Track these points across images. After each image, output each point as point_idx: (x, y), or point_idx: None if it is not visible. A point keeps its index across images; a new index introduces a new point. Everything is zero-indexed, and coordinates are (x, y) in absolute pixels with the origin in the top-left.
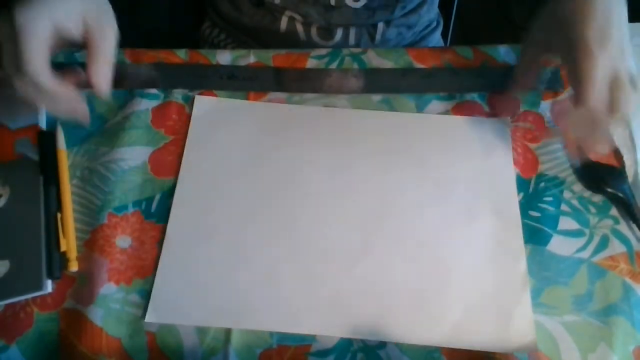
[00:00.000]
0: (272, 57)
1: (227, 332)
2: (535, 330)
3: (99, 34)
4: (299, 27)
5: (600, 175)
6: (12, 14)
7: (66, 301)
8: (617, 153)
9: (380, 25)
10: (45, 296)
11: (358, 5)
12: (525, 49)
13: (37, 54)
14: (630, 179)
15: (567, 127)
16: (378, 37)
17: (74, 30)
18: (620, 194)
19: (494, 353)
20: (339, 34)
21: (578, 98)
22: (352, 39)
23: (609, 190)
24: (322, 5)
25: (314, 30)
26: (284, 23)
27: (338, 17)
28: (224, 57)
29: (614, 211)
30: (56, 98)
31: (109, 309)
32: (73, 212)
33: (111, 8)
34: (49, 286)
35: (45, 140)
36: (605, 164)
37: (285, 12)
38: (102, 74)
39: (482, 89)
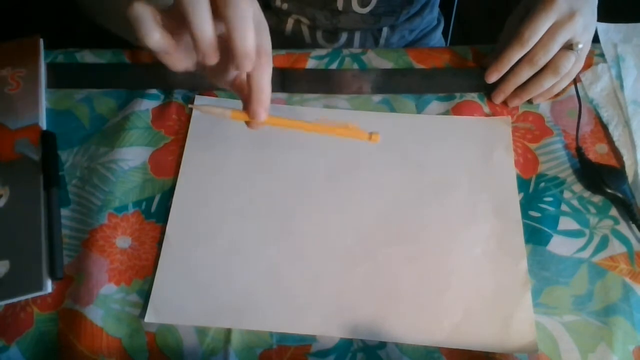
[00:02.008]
0: (272, 58)
1: (227, 332)
2: (536, 330)
3: None
4: (305, 30)
5: (600, 176)
6: None
7: (65, 301)
8: (617, 153)
9: (385, 30)
10: (45, 296)
11: (365, 11)
12: (504, 29)
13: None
14: (630, 179)
15: (504, 65)
16: (382, 41)
17: None
18: (620, 195)
19: (494, 353)
20: (343, 37)
21: (517, 33)
22: (356, 43)
23: (609, 190)
24: (329, 10)
25: (319, 34)
26: (289, 25)
27: (344, 22)
28: None
29: (614, 211)
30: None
31: (109, 309)
32: (72, 211)
33: None
34: (49, 286)
35: (47, 141)
36: (605, 164)
37: (292, 15)
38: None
39: (481, 89)
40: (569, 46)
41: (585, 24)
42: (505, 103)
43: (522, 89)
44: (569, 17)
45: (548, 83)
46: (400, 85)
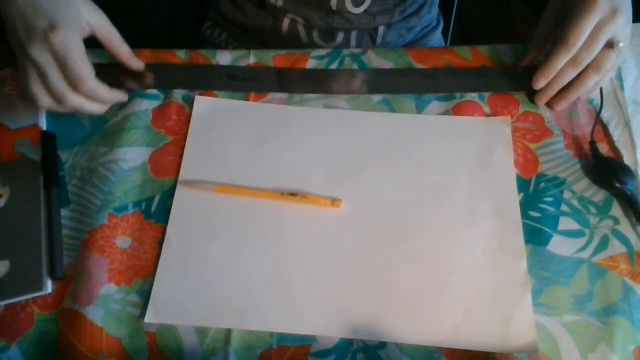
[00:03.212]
0: (272, 58)
1: (227, 333)
2: (536, 330)
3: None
4: (301, 29)
5: (611, 170)
6: (37, 40)
7: (65, 301)
8: (617, 153)
9: (381, 29)
10: (45, 296)
11: (359, 10)
12: (539, 25)
13: (89, 73)
14: None
15: (549, 69)
16: (379, 40)
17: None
18: (628, 191)
19: (494, 354)
20: (340, 36)
21: (562, 38)
22: (353, 42)
23: (617, 185)
24: (324, 10)
25: (315, 33)
26: (285, 24)
27: (339, 21)
28: (224, 57)
29: (614, 211)
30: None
31: (109, 309)
32: (72, 211)
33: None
34: (49, 286)
35: (47, 141)
36: (617, 160)
37: (287, 14)
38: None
39: (481, 89)
40: (609, 44)
41: (626, 21)
42: (549, 105)
43: (567, 90)
44: (611, 16)
45: (591, 82)
46: (400, 85)
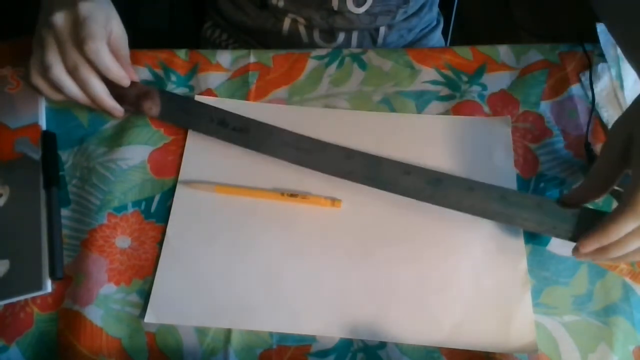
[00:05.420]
0: (272, 58)
1: (227, 333)
2: (535, 330)
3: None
4: (302, 30)
5: None
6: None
7: (65, 301)
8: None
9: (382, 29)
10: (45, 296)
11: (360, 10)
12: (599, 161)
13: (101, 36)
14: None
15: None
16: (380, 40)
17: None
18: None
19: (494, 353)
20: (341, 37)
21: (630, 201)
22: (354, 42)
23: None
24: (325, 10)
25: (316, 33)
26: (286, 25)
27: (340, 22)
28: (224, 57)
29: None
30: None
31: (109, 309)
32: (72, 211)
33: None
34: (48, 286)
35: (47, 141)
36: None
37: (288, 14)
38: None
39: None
40: None
41: None
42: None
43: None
44: None
45: None
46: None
